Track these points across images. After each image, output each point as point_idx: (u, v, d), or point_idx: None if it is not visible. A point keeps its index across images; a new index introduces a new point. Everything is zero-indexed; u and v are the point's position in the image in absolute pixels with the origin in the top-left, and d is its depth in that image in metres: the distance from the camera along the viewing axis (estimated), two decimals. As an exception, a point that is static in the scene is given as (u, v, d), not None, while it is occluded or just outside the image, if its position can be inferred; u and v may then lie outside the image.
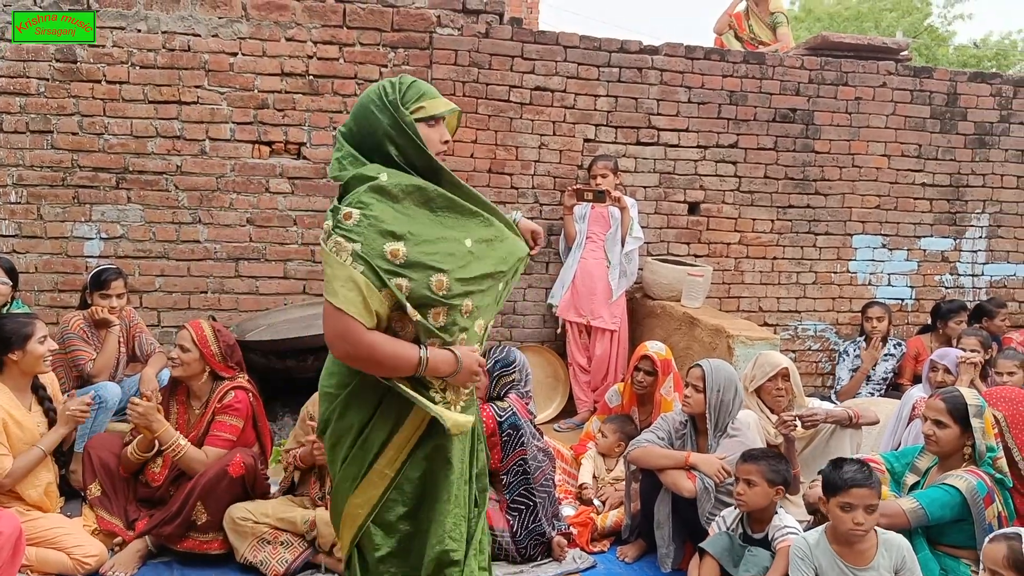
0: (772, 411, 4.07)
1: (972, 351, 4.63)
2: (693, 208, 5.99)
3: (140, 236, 5.08)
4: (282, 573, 3.29)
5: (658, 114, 5.81)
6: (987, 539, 2.51)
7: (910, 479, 3.37)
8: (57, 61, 4.87)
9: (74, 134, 4.94)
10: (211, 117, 5.09)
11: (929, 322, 6.06)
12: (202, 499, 3.34)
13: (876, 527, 2.88)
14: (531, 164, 5.63)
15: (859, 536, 2.79)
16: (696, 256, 5.96)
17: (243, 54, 5.09)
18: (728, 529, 3.28)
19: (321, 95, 5.22)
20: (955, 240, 6.47)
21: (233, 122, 5.12)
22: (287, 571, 3.30)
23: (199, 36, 5.02)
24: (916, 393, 4.44)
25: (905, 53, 6.49)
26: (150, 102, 5.01)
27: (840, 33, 6.43)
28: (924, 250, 6.42)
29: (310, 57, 5.18)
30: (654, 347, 4.36)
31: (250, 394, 3.69)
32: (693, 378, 3.63)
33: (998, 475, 3.14)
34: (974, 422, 3.15)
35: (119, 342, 4.37)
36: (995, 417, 3.30)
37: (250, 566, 3.33)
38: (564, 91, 5.62)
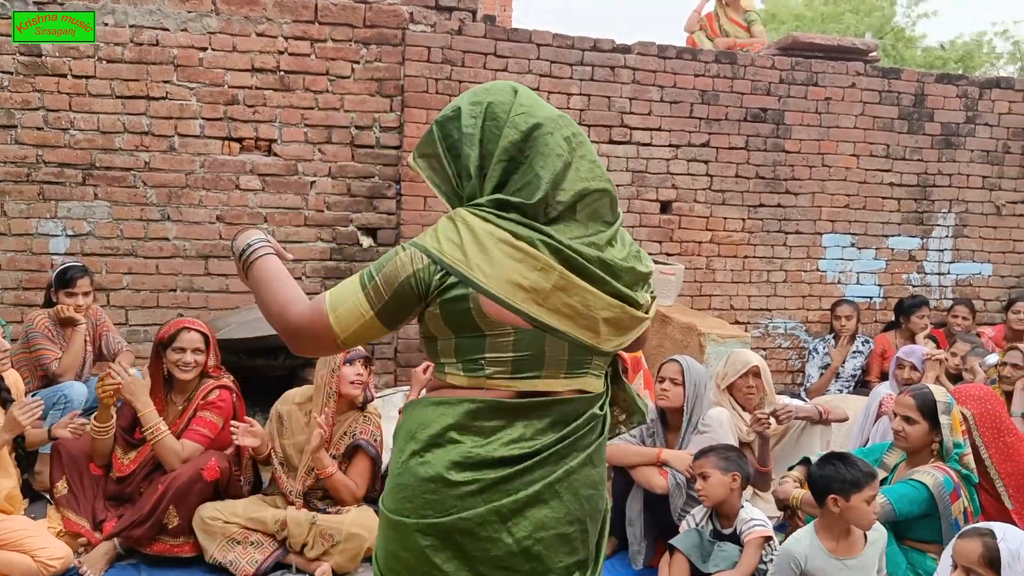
0: (744, 408, 4.10)
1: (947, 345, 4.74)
2: (665, 207, 6.01)
3: (107, 233, 5.00)
4: (252, 573, 3.26)
5: (631, 113, 5.83)
6: (958, 535, 2.53)
7: (879, 475, 3.41)
8: (21, 55, 4.77)
9: (39, 129, 4.85)
10: (180, 113, 5.02)
11: (893, 319, 6.15)
12: (175, 503, 3.30)
13: None
14: (504, 162, 5.61)
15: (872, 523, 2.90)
16: (668, 255, 5.98)
17: (213, 49, 5.03)
18: (697, 526, 3.30)
19: (292, 91, 5.17)
20: (922, 239, 6.56)
21: (203, 118, 5.06)
22: (257, 571, 3.27)
23: (167, 30, 4.94)
24: (883, 390, 4.51)
25: (874, 54, 6.57)
26: (117, 97, 4.93)
27: (810, 33, 6.49)
28: (892, 249, 6.50)
29: (281, 53, 5.12)
30: (625, 345, 4.37)
31: (234, 395, 3.66)
32: (671, 372, 3.65)
33: (964, 471, 3.19)
34: (942, 419, 3.19)
35: (85, 341, 4.30)
36: (963, 414, 3.35)
37: (219, 567, 3.29)
38: (537, 89, 5.60)
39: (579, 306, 1.62)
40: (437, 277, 1.60)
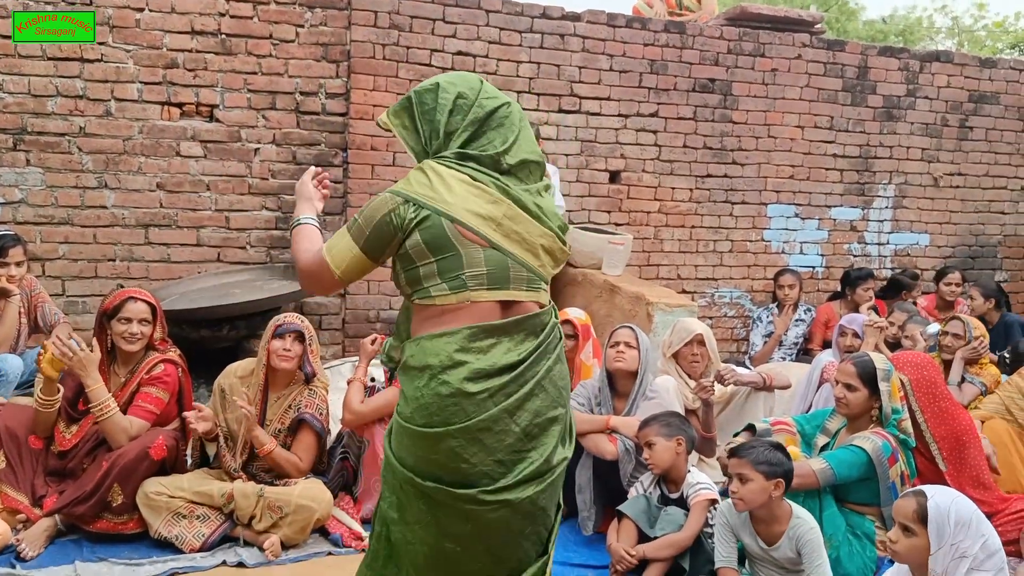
0: (690, 376, 4.16)
1: (886, 317, 4.89)
2: (614, 176, 6.03)
3: (41, 201, 4.82)
4: (199, 547, 3.22)
5: (580, 82, 5.81)
6: (900, 496, 2.63)
7: (820, 440, 3.50)
8: (-55, 12, 4.56)
9: (-35, 91, 4.65)
10: (116, 76, 4.84)
11: (839, 289, 6.28)
12: (119, 481, 3.21)
13: (793, 507, 2.96)
14: (453, 130, 5.55)
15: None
16: (617, 224, 6.01)
17: (150, 10, 4.85)
18: (645, 491, 3.36)
19: (234, 55, 5.02)
20: (863, 210, 6.70)
21: (140, 81, 4.89)
22: (204, 545, 3.23)
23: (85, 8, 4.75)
24: (825, 358, 4.61)
25: (819, 26, 6.64)
26: (49, 59, 4.73)
27: (757, 4, 6.54)
28: (834, 219, 6.63)
29: (222, 15, 4.97)
30: (574, 312, 4.39)
31: (180, 369, 3.58)
32: (625, 336, 3.70)
33: (902, 436, 3.29)
34: (881, 386, 3.28)
35: (20, 312, 4.16)
36: (901, 381, 3.45)
37: (165, 541, 3.23)
38: (487, 56, 5.55)
39: (524, 233, 2.08)
40: (411, 212, 2.02)
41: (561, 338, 2.19)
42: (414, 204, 2.02)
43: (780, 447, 2.97)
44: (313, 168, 2.40)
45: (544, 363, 2.08)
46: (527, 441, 2.05)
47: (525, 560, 2.13)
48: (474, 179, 2.05)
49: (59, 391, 3.38)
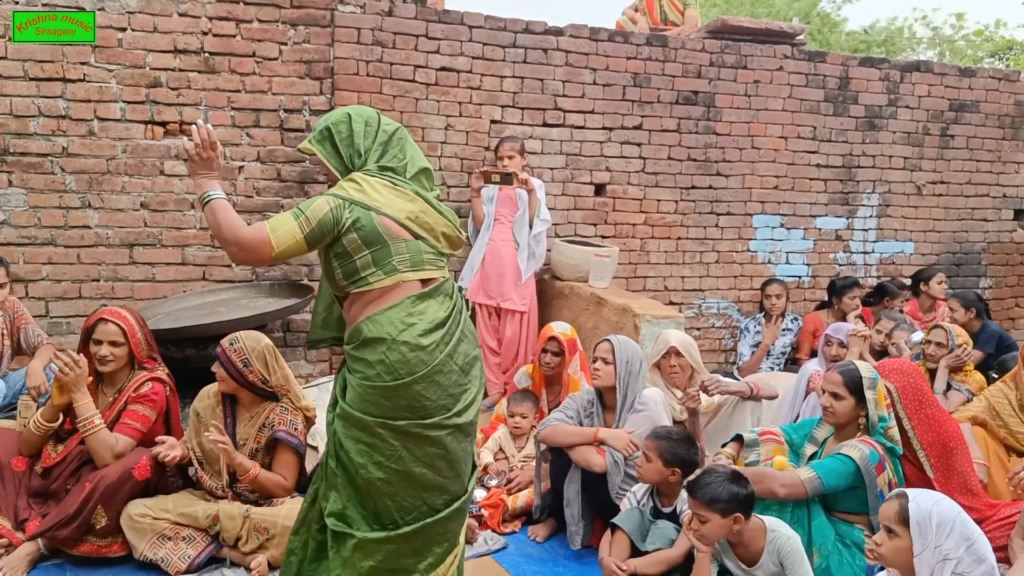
0: (675, 387, 4.16)
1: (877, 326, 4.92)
2: (599, 189, 6.05)
3: (24, 222, 4.80)
4: (185, 569, 3.18)
5: (564, 96, 5.83)
6: (885, 500, 2.63)
7: (808, 449, 3.49)
8: (-75, 34, 4.54)
9: (-54, 113, 4.62)
10: (99, 96, 4.83)
11: (825, 298, 6.31)
12: (103, 502, 3.18)
13: (766, 522, 2.95)
14: (437, 146, 5.57)
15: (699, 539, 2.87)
16: (603, 237, 6.02)
17: (133, 29, 4.85)
18: (638, 503, 3.34)
19: (218, 73, 5.02)
20: (848, 219, 6.73)
21: (123, 101, 4.88)
22: (190, 567, 3.19)
23: (83, 10, 4.74)
24: (812, 367, 4.61)
25: (800, 38, 6.69)
26: (31, 79, 4.72)
27: (739, 17, 6.59)
28: (819, 229, 6.66)
29: (205, 34, 4.97)
30: (559, 327, 4.39)
31: (167, 388, 3.55)
32: (602, 352, 3.68)
33: (889, 444, 3.28)
34: (868, 394, 3.29)
35: (2, 334, 4.13)
36: (887, 388, 3.45)
37: (150, 564, 3.20)
38: (470, 72, 5.57)
39: (432, 224, 2.64)
40: (347, 213, 2.49)
41: (463, 296, 2.77)
42: (349, 206, 2.49)
43: (736, 475, 2.89)
44: (197, 129, 2.55)
45: (462, 317, 2.66)
46: (464, 376, 2.61)
47: (468, 473, 2.69)
48: (395, 184, 2.59)
49: (59, 421, 3.35)
